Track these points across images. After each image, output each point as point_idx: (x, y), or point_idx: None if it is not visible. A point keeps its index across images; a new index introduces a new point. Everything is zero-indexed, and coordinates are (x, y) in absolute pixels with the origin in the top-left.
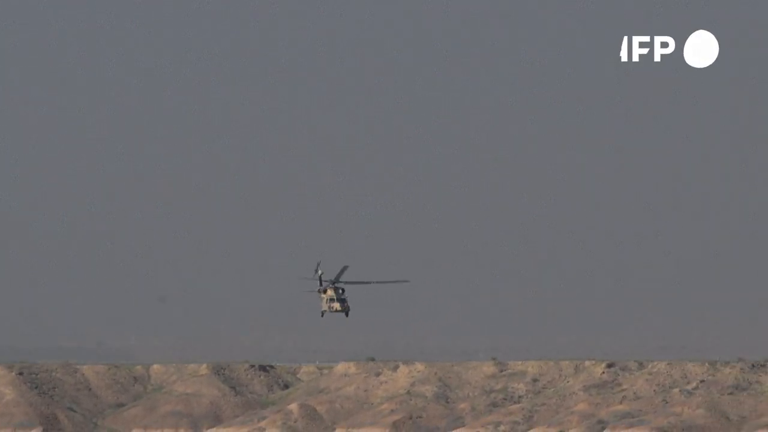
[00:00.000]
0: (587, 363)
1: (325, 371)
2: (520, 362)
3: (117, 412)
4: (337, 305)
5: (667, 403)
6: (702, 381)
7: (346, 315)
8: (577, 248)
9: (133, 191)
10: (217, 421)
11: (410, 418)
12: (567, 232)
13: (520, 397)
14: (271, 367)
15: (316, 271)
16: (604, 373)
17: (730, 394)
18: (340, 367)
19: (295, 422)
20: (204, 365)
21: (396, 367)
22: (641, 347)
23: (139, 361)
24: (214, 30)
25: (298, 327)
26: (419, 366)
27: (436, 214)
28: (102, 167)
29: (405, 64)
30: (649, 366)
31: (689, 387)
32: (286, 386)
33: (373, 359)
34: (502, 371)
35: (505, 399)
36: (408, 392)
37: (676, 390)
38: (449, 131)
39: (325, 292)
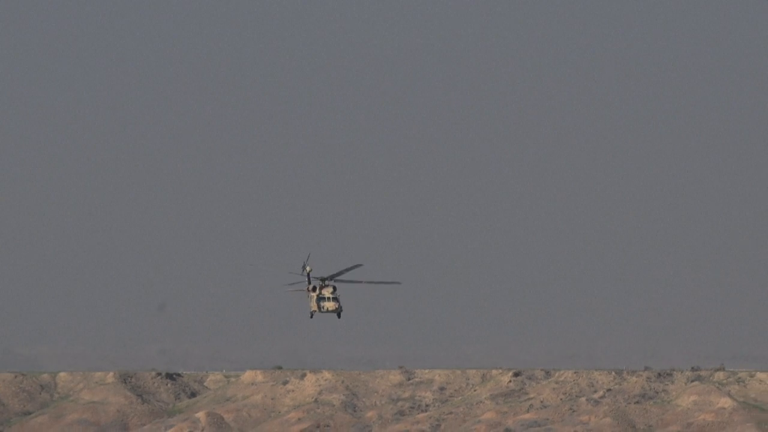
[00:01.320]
0: (494, 372)
1: (233, 379)
2: (427, 371)
3: (23, 420)
4: (330, 305)
5: (574, 411)
6: (609, 390)
7: (339, 316)
8: (483, 257)
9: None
10: (124, 429)
11: (318, 426)
12: (472, 241)
13: (427, 405)
14: (178, 375)
15: (304, 267)
16: (511, 381)
17: (637, 402)
18: (247, 376)
19: (202, 430)
20: (111, 373)
21: (303, 376)
22: (548, 356)
23: (45, 369)
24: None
25: (205, 334)
26: (326, 374)
27: (345, 221)
28: None
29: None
30: (556, 375)
31: (596, 396)
32: (193, 394)
33: (280, 367)
34: (409, 380)
35: (412, 407)
36: (315, 400)
37: (583, 399)
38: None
39: (314, 290)
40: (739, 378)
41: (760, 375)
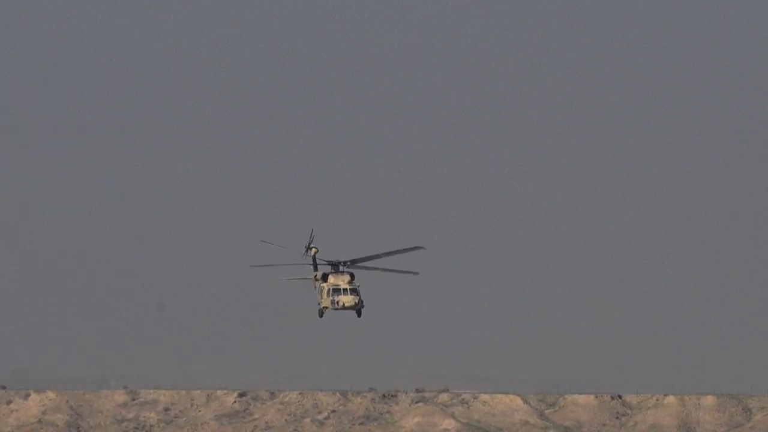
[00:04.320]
0: (219, 392)
1: None
2: (152, 391)
3: None
4: (347, 299)
5: None
6: (333, 411)
7: (359, 314)
8: (221, 279)
9: None
10: None
11: None
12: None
13: (151, 426)
14: None
15: (308, 248)
16: (236, 402)
17: (361, 424)
18: None
19: None
20: None
21: (27, 396)
22: (273, 377)
23: None
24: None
25: None
26: (51, 394)
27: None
28: None
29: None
30: (281, 395)
31: (321, 417)
32: None
33: (3, 387)
34: (134, 400)
35: (137, 428)
36: (39, 421)
37: (308, 420)
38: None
39: (325, 279)
40: (463, 400)
41: (483, 397)
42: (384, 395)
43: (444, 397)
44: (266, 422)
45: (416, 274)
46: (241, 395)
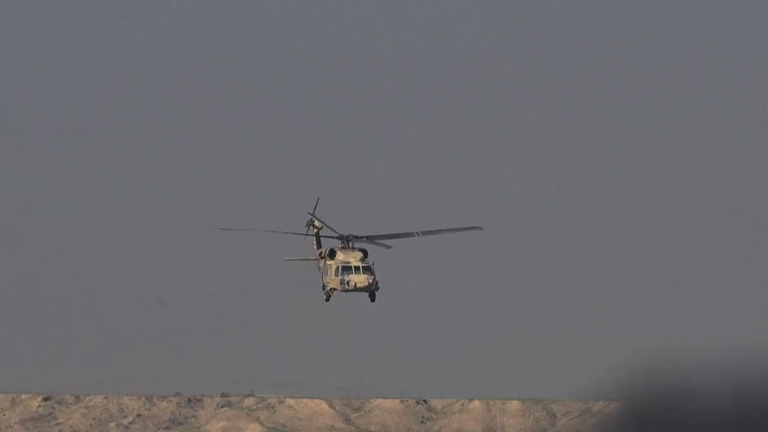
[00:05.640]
0: (24, 396)
1: None
2: None
3: None
4: (360, 279)
5: None
6: (138, 415)
7: (372, 298)
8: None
9: None
10: None
11: None
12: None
13: None
14: None
15: (310, 223)
16: (40, 406)
17: (167, 428)
18: None
19: None
20: None
21: None
22: (78, 380)
23: None
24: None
25: None
26: None
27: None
28: None
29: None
30: (86, 400)
31: (126, 421)
32: None
33: None
34: None
35: None
36: None
37: (113, 424)
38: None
39: (332, 256)
40: (269, 404)
41: (289, 401)
42: (189, 399)
43: (250, 401)
44: (71, 426)
45: (480, 228)
46: (45, 399)
